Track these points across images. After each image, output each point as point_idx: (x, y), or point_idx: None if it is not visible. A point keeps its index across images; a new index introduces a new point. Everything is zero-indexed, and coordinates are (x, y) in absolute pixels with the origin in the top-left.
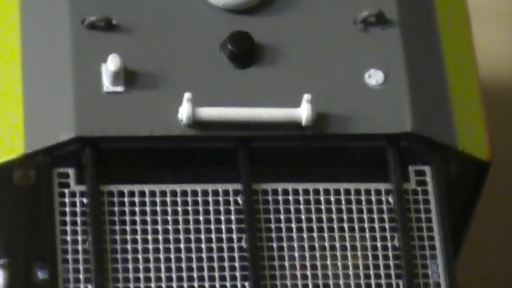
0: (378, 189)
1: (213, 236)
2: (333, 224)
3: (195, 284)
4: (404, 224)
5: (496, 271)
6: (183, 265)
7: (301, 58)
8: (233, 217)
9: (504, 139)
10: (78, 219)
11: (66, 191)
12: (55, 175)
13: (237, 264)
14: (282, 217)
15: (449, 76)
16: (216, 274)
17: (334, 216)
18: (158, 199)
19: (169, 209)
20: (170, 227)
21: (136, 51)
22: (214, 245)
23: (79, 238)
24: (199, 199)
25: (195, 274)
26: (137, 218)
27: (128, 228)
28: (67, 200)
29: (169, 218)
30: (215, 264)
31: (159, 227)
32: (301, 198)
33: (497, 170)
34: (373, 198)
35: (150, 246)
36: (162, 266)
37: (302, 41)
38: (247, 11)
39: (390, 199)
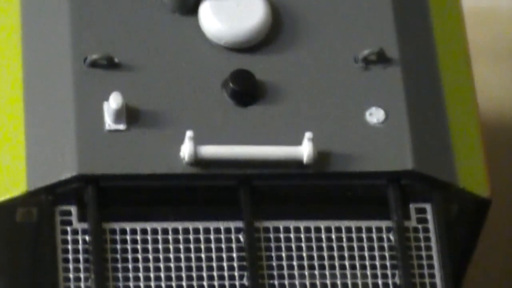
0: (379, 227)
1: (215, 273)
2: (335, 261)
3: None
4: (405, 262)
5: None
6: None
7: (303, 96)
8: (234, 255)
9: (504, 176)
10: (81, 256)
11: (69, 228)
12: (57, 213)
13: None
14: (283, 254)
15: (449, 114)
16: None
17: (335, 253)
18: (160, 237)
19: (171, 246)
20: (172, 265)
21: (138, 89)
22: (216, 283)
23: (82, 275)
24: (201, 237)
25: None
26: (139, 256)
27: (130, 265)
28: (69, 237)
29: (171, 255)
30: None
31: (161, 265)
32: (302, 235)
33: (497, 207)
34: (374, 235)
35: (152, 284)
36: None
37: (303, 79)
38: (248, 49)
39: (391, 237)
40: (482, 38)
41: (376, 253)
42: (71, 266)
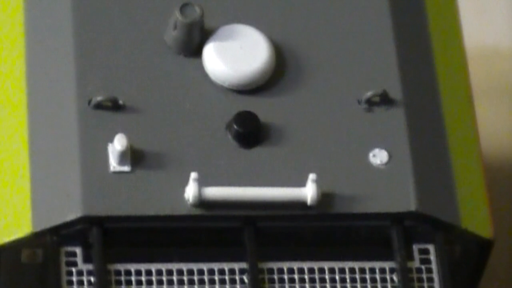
0: (382, 268)
1: None
2: None
3: None
4: None
5: None
6: None
7: (306, 137)
8: None
9: (507, 216)
10: None
11: (74, 269)
12: (62, 254)
13: None
14: None
15: (452, 155)
16: None
17: None
18: (164, 278)
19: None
20: None
21: (142, 131)
22: None
23: None
24: (205, 277)
25: None
26: None
27: None
28: (74, 278)
29: None
30: None
31: None
32: (306, 276)
33: (499, 248)
34: (377, 276)
35: None
36: None
37: (307, 121)
38: (252, 91)
39: (395, 278)
40: (484, 77)
41: None
42: None
